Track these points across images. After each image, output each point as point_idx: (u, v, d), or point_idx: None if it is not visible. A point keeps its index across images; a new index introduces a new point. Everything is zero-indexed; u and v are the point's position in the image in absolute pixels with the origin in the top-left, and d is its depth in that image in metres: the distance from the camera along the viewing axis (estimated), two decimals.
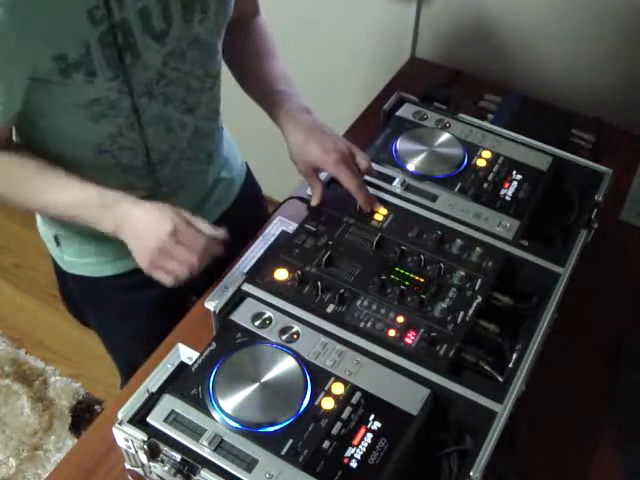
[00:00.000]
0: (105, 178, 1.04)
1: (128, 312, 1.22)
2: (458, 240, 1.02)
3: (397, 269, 0.98)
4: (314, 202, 1.06)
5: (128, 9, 0.86)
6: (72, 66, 0.85)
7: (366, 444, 0.80)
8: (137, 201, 0.94)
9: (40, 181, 0.95)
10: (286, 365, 0.86)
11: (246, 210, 1.30)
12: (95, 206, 0.93)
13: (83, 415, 1.94)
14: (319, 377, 0.85)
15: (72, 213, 0.96)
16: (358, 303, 0.94)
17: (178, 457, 0.78)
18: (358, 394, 0.84)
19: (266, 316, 0.92)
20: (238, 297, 0.94)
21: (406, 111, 1.22)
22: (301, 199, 1.09)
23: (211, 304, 0.93)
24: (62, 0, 0.81)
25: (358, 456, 0.79)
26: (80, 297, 1.25)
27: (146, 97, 0.96)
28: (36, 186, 0.95)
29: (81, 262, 1.15)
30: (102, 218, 0.93)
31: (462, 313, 0.93)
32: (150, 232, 0.90)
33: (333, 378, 0.86)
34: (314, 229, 1.02)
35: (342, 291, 0.94)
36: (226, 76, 1.12)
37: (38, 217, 1.18)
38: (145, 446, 0.79)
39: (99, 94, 0.91)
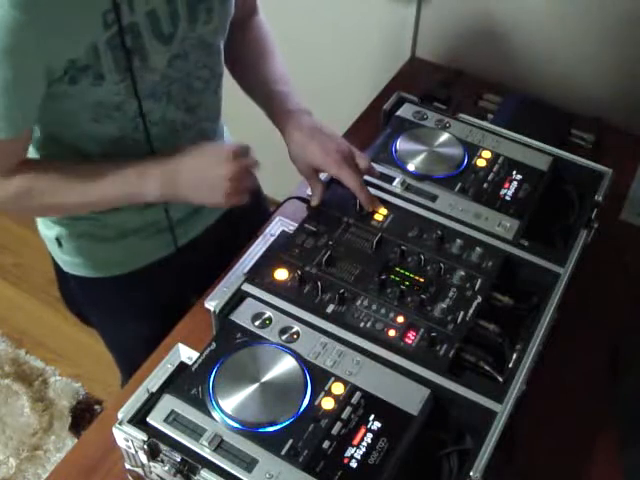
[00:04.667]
0: None
1: (129, 312, 1.22)
2: (458, 240, 1.02)
3: (397, 269, 0.98)
4: (314, 202, 1.06)
5: (138, 12, 0.87)
6: (81, 70, 0.85)
7: (366, 444, 0.80)
8: (172, 152, 0.97)
9: (71, 185, 0.96)
10: (286, 365, 0.86)
11: (247, 207, 1.30)
12: (136, 180, 0.95)
13: (83, 415, 1.94)
14: (319, 377, 0.85)
15: (117, 197, 0.98)
16: (358, 303, 0.94)
17: (178, 457, 0.78)
18: (358, 394, 0.84)
19: (266, 316, 0.92)
20: (238, 297, 0.94)
21: (406, 111, 1.22)
22: (301, 199, 1.09)
23: (211, 304, 0.93)
24: (79, 2, 0.81)
25: (358, 456, 0.79)
26: (81, 297, 1.25)
27: (151, 99, 0.96)
28: (68, 192, 0.97)
29: (83, 263, 1.15)
30: (148, 186, 0.96)
31: (462, 313, 0.93)
32: (215, 165, 0.94)
33: (333, 378, 0.86)
34: (314, 229, 1.02)
35: (342, 291, 0.94)
36: (226, 75, 1.12)
37: (39, 218, 1.18)
38: (145, 446, 0.79)
39: (105, 97, 0.91)
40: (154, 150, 1.01)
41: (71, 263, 1.17)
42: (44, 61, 0.83)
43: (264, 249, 1.08)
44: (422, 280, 0.97)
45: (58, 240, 1.14)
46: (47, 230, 1.16)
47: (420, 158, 1.13)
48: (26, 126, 0.91)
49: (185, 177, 0.95)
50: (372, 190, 1.07)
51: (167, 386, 0.84)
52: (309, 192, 1.07)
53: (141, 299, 1.19)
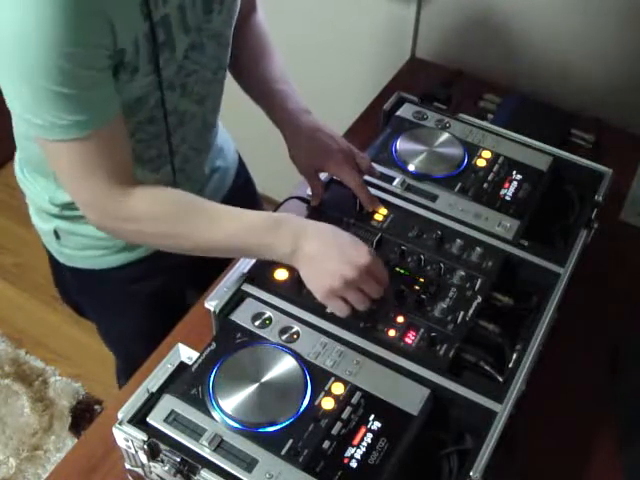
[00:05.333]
0: None
1: (126, 304, 1.22)
2: (458, 240, 1.02)
3: (397, 269, 0.98)
4: (314, 202, 1.06)
5: (170, 5, 0.87)
6: (123, 64, 0.85)
7: (366, 444, 0.80)
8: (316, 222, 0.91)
9: (201, 216, 0.91)
10: (286, 365, 0.86)
11: (240, 199, 1.30)
12: (270, 227, 0.88)
13: (83, 415, 1.94)
14: (319, 377, 0.85)
15: (245, 242, 0.90)
16: None
17: (178, 457, 0.78)
18: (358, 394, 0.84)
19: (266, 316, 0.92)
20: (238, 297, 0.94)
21: (406, 111, 1.22)
22: (301, 199, 1.09)
23: (211, 304, 0.93)
24: None
25: (358, 456, 0.79)
26: (78, 289, 1.26)
27: (168, 90, 0.96)
28: (198, 222, 0.90)
29: (81, 255, 1.15)
30: (280, 238, 0.88)
31: (462, 313, 0.93)
32: (347, 257, 0.86)
33: (333, 378, 0.86)
34: None
35: None
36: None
37: (33, 210, 1.17)
38: (145, 446, 0.79)
39: (134, 90, 0.90)
40: (163, 142, 1.01)
41: (68, 255, 1.17)
42: (102, 47, 0.81)
43: None
44: (422, 280, 0.97)
45: (56, 233, 1.14)
46: (44, 223, 1.15)
47: (420, 158, 1.13)
48: (105, 116, 0.86)
49: (310, 245, 0.87)
50: (372, 190, 1.07)
51: (167, 386, 0.84)
52: (309, 192, 1.07)
53: (137, 291, 1.19)
